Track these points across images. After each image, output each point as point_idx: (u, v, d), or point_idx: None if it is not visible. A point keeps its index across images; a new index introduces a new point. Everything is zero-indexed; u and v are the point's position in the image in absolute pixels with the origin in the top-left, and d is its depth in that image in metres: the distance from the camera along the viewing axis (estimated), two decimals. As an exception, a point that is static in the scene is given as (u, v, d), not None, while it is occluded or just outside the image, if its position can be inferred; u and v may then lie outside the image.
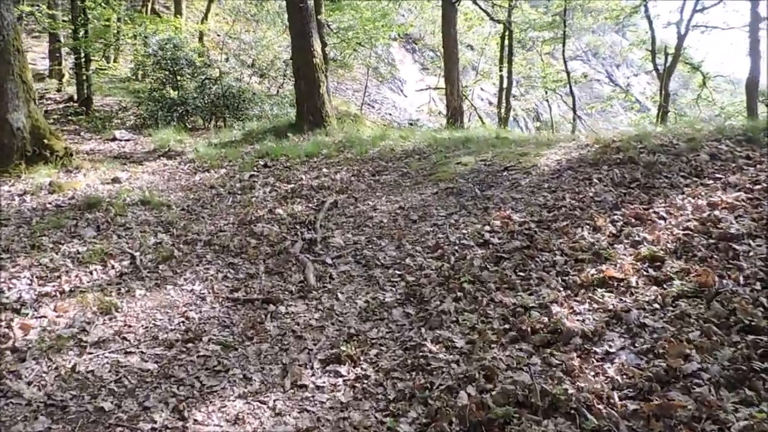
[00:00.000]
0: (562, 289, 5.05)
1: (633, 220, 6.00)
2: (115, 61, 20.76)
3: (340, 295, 5.37)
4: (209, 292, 5.48)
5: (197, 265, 6.04)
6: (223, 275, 5.85)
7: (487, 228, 6.41)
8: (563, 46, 22.99)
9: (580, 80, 26.39)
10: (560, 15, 22.42)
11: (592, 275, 5.14)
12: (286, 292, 5.47)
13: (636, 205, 6.29)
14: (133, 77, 17.43)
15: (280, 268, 6.00)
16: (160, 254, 6.19)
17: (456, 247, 6.09)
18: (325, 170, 9.73)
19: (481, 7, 22.25)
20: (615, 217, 6.12)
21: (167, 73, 15.26)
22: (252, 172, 9.92)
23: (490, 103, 34.05)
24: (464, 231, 6.46)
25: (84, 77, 15.73)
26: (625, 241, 5.65)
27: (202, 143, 12.39)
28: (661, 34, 27.49)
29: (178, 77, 15.22)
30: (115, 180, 9.19)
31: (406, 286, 5.44)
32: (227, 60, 17.42)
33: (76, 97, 16.31)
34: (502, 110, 23.56)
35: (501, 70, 23.86)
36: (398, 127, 21.03)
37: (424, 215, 7.15)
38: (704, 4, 22.93)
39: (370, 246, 6.49)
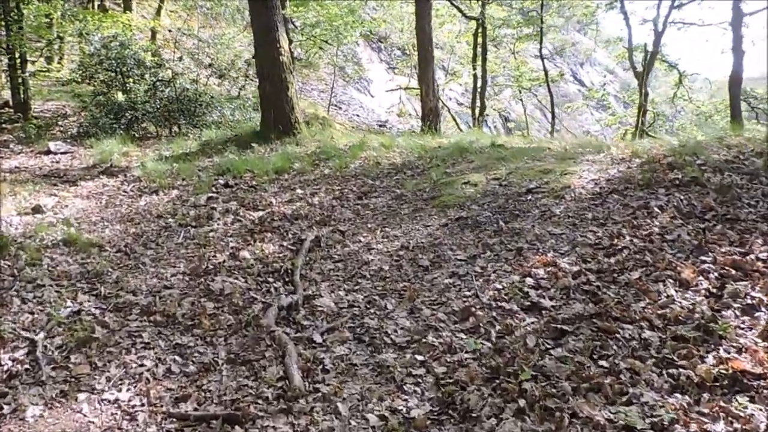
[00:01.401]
0: (672, 390, 3.28)
1: (732, 271, 4.27)
2: (59, 62, 18.41)
3: (340, 404, 3.46)
4: (143, 404, 3.52)
5: (128, 352, 4.06)
6: (165, 369, 3.89)
7: (530, 281, 4.60)
8: (540, 43, 21.38)
9: (557, 79, 24.85)
10: (537, 11, 20.79)
11: (712, 367, 3.38)
12: (260, 400, 3.53)
13: (727, 248, 4.56)
14: (77, 80, 15.12)
15: (248, 353, 4.06)
16: (75, 335, 4.19)
17: (494, 313, 4.25)
18: (299, 191, 7.80)
19: (453, 3, 20.45)
20: (705, 266, 4.37)
21: (113, 74, 13.06)
22: (210, 194, 7.94)
23: (459, 103, 32.38)
24: (498, 285, 4.63)
25: (20, 80, 13.45)
26: (734, 304, 3.92)
27: (152, 156, 10.31)
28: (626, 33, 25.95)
29: (126, 79, 13.04)
30: (37, 210, 7.12)
31: (437, 385, 3.57)
32: (181, 59, 15.22)
33: (11, 102, 14.00)
34: (477, 111, 21.86)
35: (474, 69, 22.14)
36: (374, 132, 19.12)
37: (438, 259, 5.29)
38: (682, 1, 21.60)
39: (371, 310, 4.59)
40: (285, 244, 6.01)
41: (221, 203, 7.51)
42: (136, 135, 12.38)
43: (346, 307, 4.66)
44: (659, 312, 3.93)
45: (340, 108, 25.98)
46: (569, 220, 5.50)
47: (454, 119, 23.57)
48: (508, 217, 5.82)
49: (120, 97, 12.81)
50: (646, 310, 3.97)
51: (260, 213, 7.04)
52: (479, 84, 21.90)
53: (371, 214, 6.70)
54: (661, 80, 34.26)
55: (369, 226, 6.32)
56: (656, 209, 5.29)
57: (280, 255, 5.72)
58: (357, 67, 27.44)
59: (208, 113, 13.21)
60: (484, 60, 21.01)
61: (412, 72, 27.34)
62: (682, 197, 5.40)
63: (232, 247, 5.93)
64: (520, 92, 24.72)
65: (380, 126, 25.81)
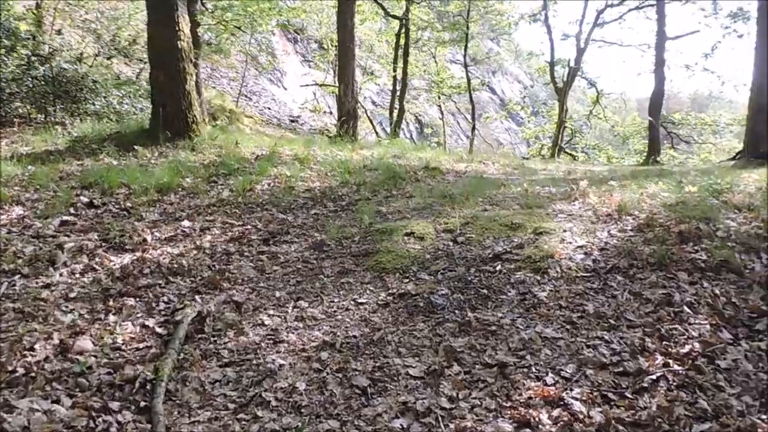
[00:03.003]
0: None
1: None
2: None
3: None
4: None
5: None
6: None
7: (530, 437, 2.80)
8: (465, 50, 19.85)
9: (478, 88, 23.47)
10: (462, 16, 19.22)
11: None
12: None
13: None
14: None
15: None
16: None
17: None
18: (186, 223, 5.66)
19: (377, 1, 18.48)
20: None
21: (-29, 43, 10.26)
22: (66, 217, 5.66)
23: (374, 103, 30.53)
24: (482, 441, 2.79)
25: None
26: None
27: (4, 152, 7.78)
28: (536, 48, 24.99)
29: (-10, 50, 10.27)
30: None
31: None
32: (59, 33, 12.38)
33: None
34: (394, 114, 20.09)
35: (395, 71, 20.35)
36: (286, 128, 16.77)
37: (380, 374, 3.35)
38: (604, 19, 20.69)
39: (278, 493, 2.64)
40: (151, 323, 3.90)
41: (75, 235, 5.26)
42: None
43: (234, 483, 2.67)
44: None
45: (251, 99, 23.50)
46: (563, 314, 3.73)
47: (371, 122, 21.69)
48: (475, 300, 3.99)
49: (-22, 71, 10.04)
50: None
51: (126, 258, 4.87)
52: (398, 87, 20.14)
53: (281, 271, 4.69)
54: (573, 96, 33.82)
55: (277, 295, 4.31)
56: (686, 308, 3.62)
57: (140, 348, 3.62)
58: (271, 57, 24.99)
59: (92, 99, 10.64)
60: (406, 62, 19.25)
61: (329, 68, 25.23)
62: (716, 291, 3.76)
63: (68, 327, 3.77)
64: (439, 98, 23.15)
65: (292, 121, 23.55)
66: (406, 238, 4.98)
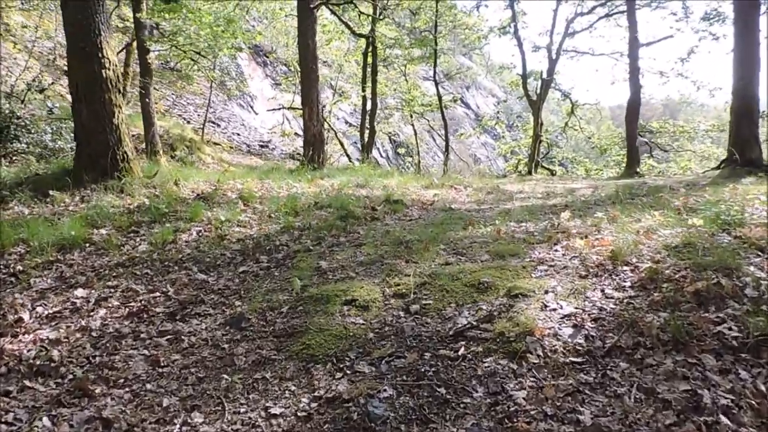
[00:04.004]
0: None
1: None
2: None
3: None
4: None
5: None
6: None
7: None
8: (434, 66, 18.81)
9: (450, 105, 22.44)
10: (430, 32, 18.20)
11: None
12: None
13: None
14: None
15: None
16: None
17: None
18: (80, 293, 4.46)
19: (341, 19, 17.40)
20: None
21: None
22: (-66, 290, 4.45)
23: (347, 123, 29.45)
24: None
25: None
26: None
27: None
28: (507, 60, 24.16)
29: None
30: None
31: None
32: None
33: None
34: (366, 135, 18.98)
35: (364, 91, 19.27)
36: (255, 154, 15.52)
37: None
38: (575, 28, 19.80)
39: None
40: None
41: (-67, 319, 4.05)
42: None
43: None
44: None
45: (218, 126, 22.31)
46: (550, 429, 2.59)
47: (341, 144, 20.57)
48: (429, 407, 2.82)
49: None
50: None
51: (-16, 352, 3.66)
52: (369, 106, 19.06)
53: (180, 363, 3.49)
54: (547, 108, 32.92)
55: (165, 403, 3.11)
56: (722, 417, 2.49)
57: None
58: (239, 81, 23.82)
59: (22, 137, 9.41)
60: (374, 82, 18.18)
61: (298, 89, 24.13)
62: (762, 387, 2.63)
63: None
64: (411, 117, 22.08)
65: (262, 147, 22.37)
66: (345, 308, 3.81)
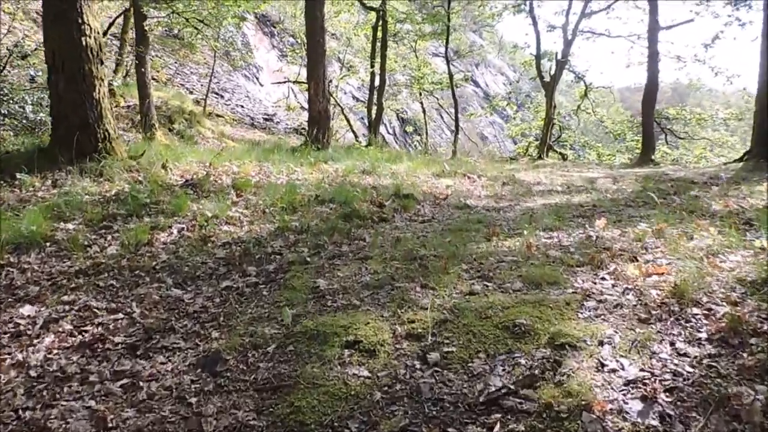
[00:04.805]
0: None
1: None
2: None
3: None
4: None
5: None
6: None
7: None
8: (446, 44, 17.75)
9: (461, 83, 21.38)
10: (444, 8, 17.09)
11: None
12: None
13: None
14: None
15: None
16: None
17: None
18: (26, 311, 3.61)
19: (351, -11, 16.32)
20: None
21: None
22: None
23: (354, 98, 28.36)
24: None
25: None
26: None
27: None
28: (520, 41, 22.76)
29: None
30: None
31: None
32: None
33: None
34: (373, 112, 17.99)
35: (372, 66, 18.23)
36: (259, 127, 14.40)
37: None
38: (592, 9, 18.65)
39: None
40: None
41: None
42: None
43: None
44: None
45: (222, 97, 21.30)
46: None
47: (348, 121, 19.56)
48: None
49: None
50: None
51: None
52: (377, 82, 18.04)
53: (133, 426, 2.64)
54: (557, 89, 31.71)
55: (103, 495, 2.30)
56: None
57: None
58: (244, 52, 22.73)
59: None
60: (384, 57, 17.13)
61: (304, 62, 23.06)
62: None
63: None
64: (421, 94, 21.04)
65: (266, 120, 21.39)
66: (346, 352, 2.96)
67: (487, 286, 3.49)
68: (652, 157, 15.23)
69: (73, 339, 3.36)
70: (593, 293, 3.37)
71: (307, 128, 12.57)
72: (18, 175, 5.90)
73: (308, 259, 4.18)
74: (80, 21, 6.49)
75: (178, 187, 6.24)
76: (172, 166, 7.06)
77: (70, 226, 4.89)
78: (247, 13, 16.86)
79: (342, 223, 5.03)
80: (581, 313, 3.13)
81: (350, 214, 5.32)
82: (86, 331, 3.42)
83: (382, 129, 23.28)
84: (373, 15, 18.06)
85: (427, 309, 3.21)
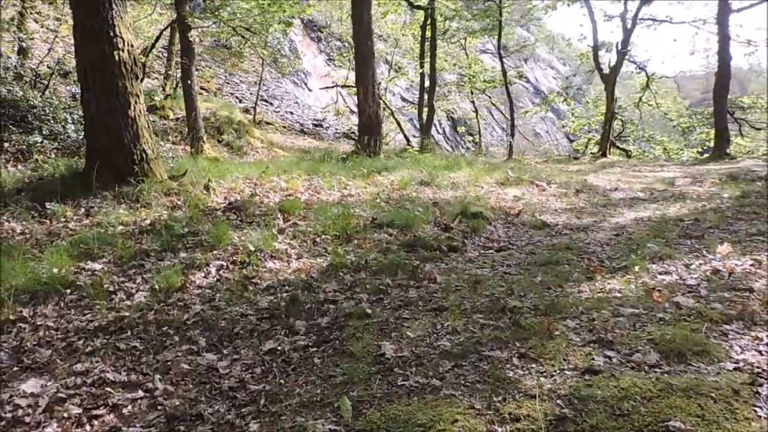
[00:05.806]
0: None
1: None
2: None
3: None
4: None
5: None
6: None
7: None
8: (498, 39, 16.67)
9: (515, 81, 20.22)
10: (494, 2, 16.01)
11: None
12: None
13: None
14: None
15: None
16: None
17: None
18: (30, 388, 2.88)
19: (399, -11, 15.43)
20: None
21: None
22: None
23: (403, 100, 27.49)
24: None
25: None
26: None
27: None
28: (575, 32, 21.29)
29: None
30: None
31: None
32: (21, 53, 9.67)
33: None
34: (424, 114, 17.06)
35: (422, 67, 17.31)
36: (309, 133, 13.61)
37: None
38: (654, -6, 17.22)
39: None
40: None
41: None
42: None
43: None
44: None
45: (272, 104, 20.78)
46: None
47: (398, 124, 18.68)
48: None
49: None
50: None
51: None
52: (427, 84, 17.09)
53: None
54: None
55: None
56: None
57: None
58: (292, 58, 22.15)
59: (42, 125, 7.97)
60: (433, 56, 16.17)
61: (352, 65, 22.32)
62: None
63: None
64: (472, 93, 19.96)
65: (315, 126, 20.74)
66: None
67: (610, 358, 2.55)
68: (727, 150, 13.81)
69: (81, 430, 2.60)
70: (764, 370, 2.39)
71: (357, 134, 11.78)
72: (48, 205, 5.27)
73: (368, 310, 3.33)
74: (111, 34, 5.81)
75: (220, 211, 5.51)
76: (216, 185, 6.35)
77: (96, 266, 4.19)
78: (293, 18, 16.17)
79: (405, 256, 4.17)
80: (759, 407, 2.17)
81: (414, 243, 4.45)
82: (96, 418, 2.66)
83: (432, 130, 22.33)
84: (420, 14, 17.15)
85: (534, 398, 2.30)
